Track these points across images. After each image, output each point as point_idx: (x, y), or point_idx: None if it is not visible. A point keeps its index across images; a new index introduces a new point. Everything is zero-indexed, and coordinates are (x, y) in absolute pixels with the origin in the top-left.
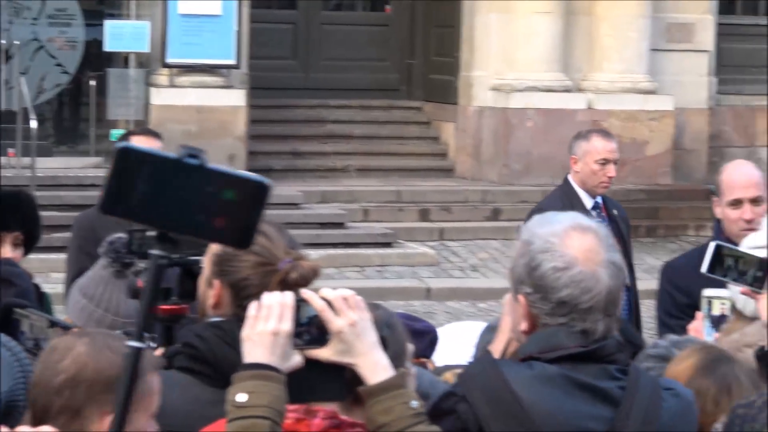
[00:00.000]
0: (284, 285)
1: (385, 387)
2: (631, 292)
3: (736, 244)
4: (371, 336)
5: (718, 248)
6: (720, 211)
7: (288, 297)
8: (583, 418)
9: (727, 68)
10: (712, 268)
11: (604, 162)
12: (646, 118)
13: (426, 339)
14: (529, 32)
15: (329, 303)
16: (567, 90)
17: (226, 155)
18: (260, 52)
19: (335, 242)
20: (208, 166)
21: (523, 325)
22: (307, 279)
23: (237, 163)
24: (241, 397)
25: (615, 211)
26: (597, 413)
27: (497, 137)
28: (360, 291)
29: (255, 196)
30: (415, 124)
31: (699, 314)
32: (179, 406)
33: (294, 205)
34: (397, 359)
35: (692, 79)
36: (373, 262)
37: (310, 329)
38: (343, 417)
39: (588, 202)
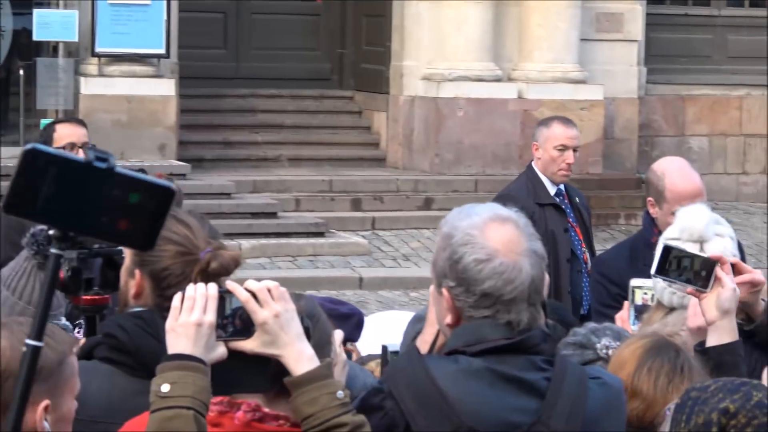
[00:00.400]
0: (205, 275)
1: (310, 378)
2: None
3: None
4: (296, 327)
5: (666, 250)
6: (657, 213)
7: (212, 288)
8: (509, 410)
9: (657, 58)
10: (660, 269)
11: (563, 148)
12: (577, 107)
13: (351, 322)
14: (459, 22)
15: (254, 294)
16: (497, 79)
17: (156, 145)
18: (190, 42)
19: (267, 232)
20: (116, 169)
21: (449, 319)
22: (227, 268)
23: (168, 153)
24: (165, 388)
25: (577, 199)
26: (523, 405)
27: (428, 127)
28: (292, 281)
29: (160, 201)
30: (346, 114)
31: (626, 303)
32: (100, 397)
33: (225, 195)
34: (321, 349)
35: (622, 68)
36: (305, 251)
37: (235, 321)
38: (267, 409)
39: (551, 189)
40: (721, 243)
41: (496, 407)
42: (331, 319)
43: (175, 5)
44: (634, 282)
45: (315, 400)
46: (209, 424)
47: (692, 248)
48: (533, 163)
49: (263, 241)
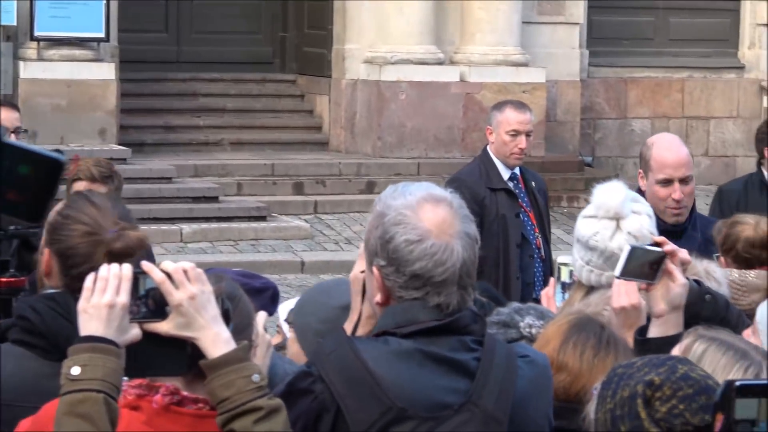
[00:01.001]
0: (110, 255)
1: (225, 361)
2: (546, 263)
3: (659, 220)
4: (212, 309)
5: (633, 251)
6: (645, 185)
7: (126, 269)
8: (439, 391)
9: (599, 40)
10: (625, 270)
11: (515, 133)
12: (519, 90)
13: (265, 296)
14: (401, 5)
15: (169, 276)
16: (439, 63)
17: (96, 130)
18: (131, 26)
19: (209, 216)
20: (5, 141)
21: (378, 297)
22: (132, 249)
23: (108, 138)
24: (75, 371)
25: (533, 183)
26: (453, 386)
27: (371, 110)
28: (234, 265)
29: (50, 173)
30: (288, 98)
31: (552, 280)
32: (13, 379)
33: (166, 180)
34: (242, 331)
35: (564, 51)
36: (247, 236)
37: (149, 302)
38: (185, 392)
39: (505, 173)
40: (637, 220)
41: (426, 388)
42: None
43: None
44: (561, 259)
45: (230, 384)
46: (127, 408)
47: (609, 226)
48: (488, 147)
49: (204, 225)
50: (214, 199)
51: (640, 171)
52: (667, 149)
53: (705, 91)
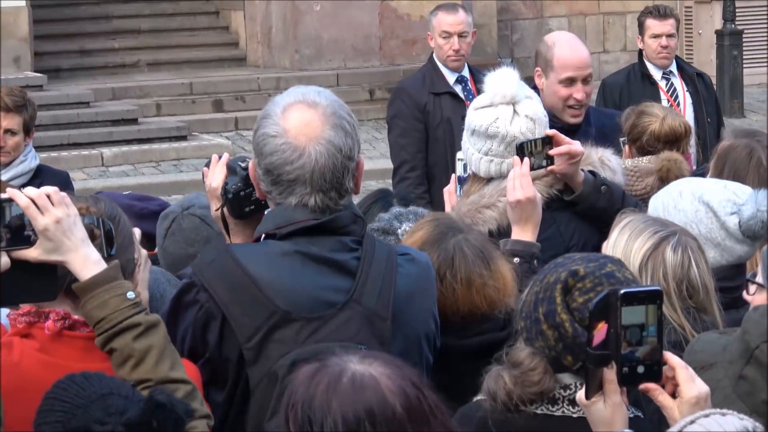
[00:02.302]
0: None
1: (97, 281)
2: None
3: (555, 119)
4: (79, 232)
5: (519, 149)
6: (543, 83)
7: None
8: (321, 290)
9: None
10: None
11: (447, 35)
12: None
13: None
14: None
15: (33, 201)
16: None
17: (11, 58)
18: None
19: (129, 139)
20: None
21: (257, 191)
22: None
23: (23, 65)
24: None
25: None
26: (335, 284)
27: (286, 24)
28: (156, 186)
29: None
30: (203, 15)
31: (453, 176)
32: None
33: (84, 104)
34: (125, 250)
35: None
36: (168, 156)
37: (15, 229)
38: (76, 316)
39: (450, 77)
40: (531, 104)
41: (308, 288)
42: (144, 218)
43: None
44: (459, 154)
45: (105, 303)
46: (18, 336)
47: (507, 111)
48: (433, 53)
49: (125, 148)
50: (134, 121)
51: (538, 69)
52: (570, 49)
53: None
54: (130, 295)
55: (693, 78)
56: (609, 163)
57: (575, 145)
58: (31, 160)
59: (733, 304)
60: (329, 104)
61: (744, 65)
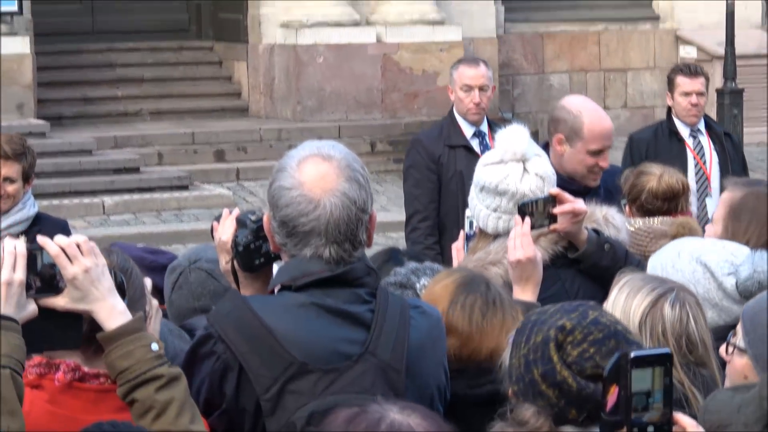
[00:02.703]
0: None
1: (122, 332)
2: None
3: (570, 182)
4: (106, 282)
5: (521, 208)
6: (565, 150)
7: (20, 245)
8: (337, 342)
9: None
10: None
11: (468, 89)
12: (436, 49)
13: None
14: None
15: (63, 250)
16: (356, 24)
17: (14, 104)
18: None
19: (130, 188)
20: None
21: (271, 245)
22: None
23: (26, 112)
24: None
25: None
26: (350, 336)
27: (289, 75)
28: (158, 235)
29: None
30: (206, 65)
31: (461, 233)
32: None
33: (86, 152)
34: (136, 302)
35: (479, 8)
36: (169, 206)
37: (45, 277)
38: (86, 368)
39: (468, 130)
40: (541, 162)
41: (324, 340)
42: (154, 270)
43: None
44: (468, 211)
45: (129, 354)
46: (29, 387)
47: (517, 168)
48: (453, 107)
49: (126, 197)
50: (135, 170)
51: (560, 135)
52: (600, 120)
53: (621, 43)
54: (155, 347)
55: (720, 137)
56: (613, 221)
57: (578, 204)
58: (29, 208)
59: None
60: (343, 157)
61: (744, 124)
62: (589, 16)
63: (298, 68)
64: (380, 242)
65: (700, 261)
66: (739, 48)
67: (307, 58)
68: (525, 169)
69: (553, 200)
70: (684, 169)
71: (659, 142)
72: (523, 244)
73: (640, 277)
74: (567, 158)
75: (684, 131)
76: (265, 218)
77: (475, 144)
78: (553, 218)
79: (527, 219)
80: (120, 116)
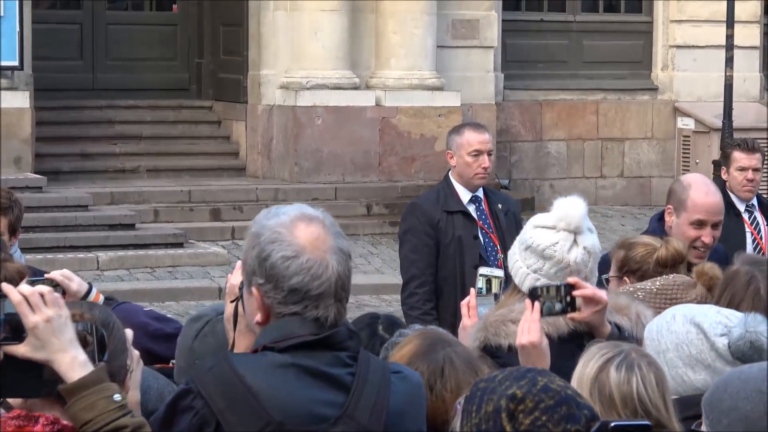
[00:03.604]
0: None
1: (84, 383)
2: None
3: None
4: (68, 333)
5: (532, 293)
6: (673, 222)
7: None
8: (316, 404)
9: (513, 63)
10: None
11: (477, 153)
12: (434, 114)
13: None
14: (315, 30)
15: (26, 298)
16: (355, 87)
17: (12, 158)
18: (45, 53)
19: (125, 244)
20: None
21: (258, 317)
22: (11, 281)
23: (23, 166)
24: None
25: (499, 205)
26: (330, 399)
27: (287, 136)
28: (151, 292)
29: None
30: (205, 124)
31: (472, 290)
32: None
33: (83, 207)
34: (118, 357)
35: (479, 74)
36: (164, 262)
37: (7, 325)
38: (65, 422)
39: (465, 196)
40: (592, 237)
41: (303, 401)
42: (158, 339)
43: (28, 16)
44: (482, 270)
45: (92, 406)
46: None
47: (568, 239)
48: (449, 172)
49: (121, 252)
50: (131, 226)
51: (670, 207)
52: (705, 192)
53: (619, 113)
54: (117, 397)
55: None
56: (644, 319)
57: (599, 292)
58: (16, 261)
59: None
60: (323, 215)
61: None
62: (588, 86)
63: (296, 129)
64: (373, 304)
65: (693, 322)
66: (737, 121)
67: (306, 120)
68: (575, 241)
69: (570, 288)
70: (743, 243)
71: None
72: (530, 330)
73: (599, 346)
74: (673, 231)
75: (740, 206)
76: (255, 293)
77: (471, 210)
78: (572, 305)
79: (537, 304)
80: (117, 172)
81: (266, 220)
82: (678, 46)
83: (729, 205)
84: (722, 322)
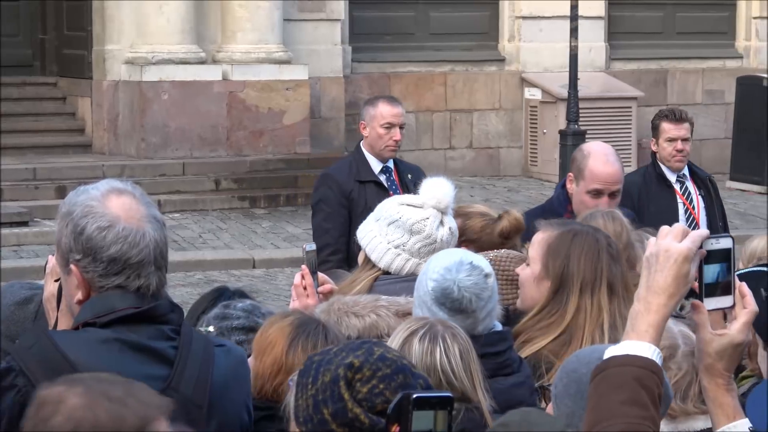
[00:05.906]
0: None
1: None
2: None
3: None
4: None
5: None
6: (573, 189)
7: None
8: (140, 378)
9: (361, 36)
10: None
11: (389, 126)
12: (282, 87)
13: None
14: (160, 3)
15: None
16: (202, 62)
17: None
18: None
19: None
20: None
21: (79, 295)
22: None
23: None
24: None
25: (409, 175)
26: (153, 373)
27: (133, 111)
28: None
29: None
30: (50, 100)
31: (304, 268)
32: None
33: None
34: None
35: (326, 47)
36: (9, 241)
37: None
38: None
39: (376, 167)
40: (453, 220)
41: (127, 375)
42: None
43: None
44: (308, 247)
45: None
46: None
47: (437, 217)
48: (361, 143)
49: None
50: None
51: (570, 174)
52: (603, 163)
53: (467, 84)
54: None
55: (705, 181)
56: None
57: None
58: None
59: (500, 371)
60: (131, 187)
61: None
62: (435, 57)
63: (142, 105)
64: (222, 279)
65: (428, 262)
66: (583, 90)
67: (152, 95)
68: (441, 222)
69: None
70: (675, 214)
71: (648, 186)
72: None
73: (409, 318)
74: (574, 199)
75: (671, 177)
76: (74, 269)
77: (383, 179)
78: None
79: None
80: None
81: (76, 197)
82: (524, 17)
83: (660, 176)
84: (445, 265)
